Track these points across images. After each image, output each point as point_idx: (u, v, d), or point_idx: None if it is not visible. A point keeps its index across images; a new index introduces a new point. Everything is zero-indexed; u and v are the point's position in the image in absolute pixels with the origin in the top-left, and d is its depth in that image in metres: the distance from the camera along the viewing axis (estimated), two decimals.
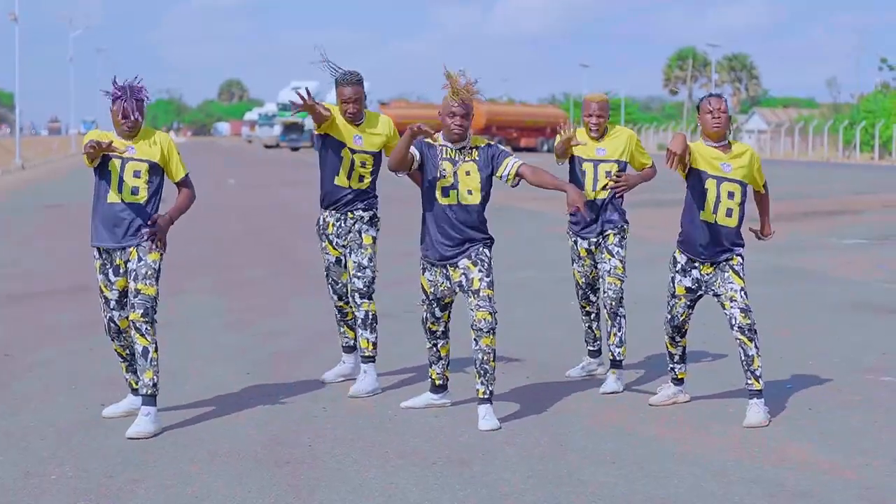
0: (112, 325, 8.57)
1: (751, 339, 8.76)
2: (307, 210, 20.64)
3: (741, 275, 8.89)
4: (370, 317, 9.57)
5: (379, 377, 9.64)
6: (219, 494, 7.05)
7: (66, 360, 10.70)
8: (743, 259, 8.98)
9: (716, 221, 8.86)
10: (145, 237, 8.37)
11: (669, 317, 9.20)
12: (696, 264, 8.98)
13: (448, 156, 8.65)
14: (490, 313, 8.50)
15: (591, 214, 9.68)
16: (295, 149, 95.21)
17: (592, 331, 10.20)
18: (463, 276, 8.60)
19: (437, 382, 9.11)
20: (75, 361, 10.60)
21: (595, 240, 9.76)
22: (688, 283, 9.03)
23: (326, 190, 9.60)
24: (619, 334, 9.79)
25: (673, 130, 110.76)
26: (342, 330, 10.02)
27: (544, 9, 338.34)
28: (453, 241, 8.63)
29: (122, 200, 8.42)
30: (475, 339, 8.56)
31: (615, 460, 7.77)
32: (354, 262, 9.54)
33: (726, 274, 8.90)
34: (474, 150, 8.71)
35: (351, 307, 9.78)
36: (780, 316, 13.21)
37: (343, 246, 9.61)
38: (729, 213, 8.88)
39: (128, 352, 8.67)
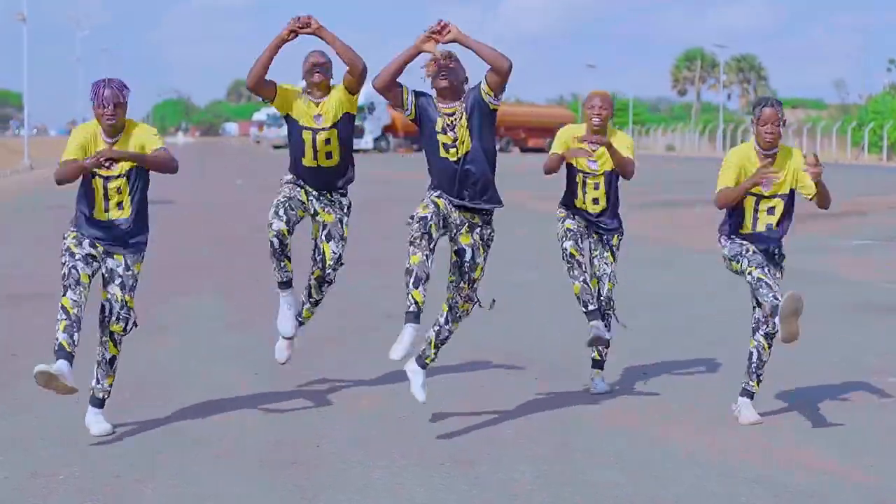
0: (73, 272, 8.13)
1: (770, 346, 8.83)
2: None
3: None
4: (321, 301, 9.71)
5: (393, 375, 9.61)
6: (225, 495, 7.06)
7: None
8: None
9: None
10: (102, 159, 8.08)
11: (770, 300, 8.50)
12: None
13: (446, 120, 8.41)
14: (473, 304, 8.58)
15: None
16: None
17: (588, 284, 9.47)
18: (469, 251, 8.48)
19: (421, 307, 8.07)
20: (81, 363, 10.59)
21: (594, 234, 9.61)
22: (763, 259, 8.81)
23: (297, 173, 9.35)
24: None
25: (682, 131, 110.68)
26: (283, 264, 9.31)
27: (546, 9, 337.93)
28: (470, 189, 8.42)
29: (110, 218, 8.32)
30: (448, 319, 8.59)
31: (621, 461, 7.78)
32: (335, 253, 9.37)
33: (777, 275, 8.93)
34: (462, 107, 8.43)
35: (288, 242, 9.21)
36: None
37: (315, 210, 9.31)
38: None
39: (76, 311, 8.06)
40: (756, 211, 8.82)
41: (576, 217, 9.57)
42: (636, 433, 8.49)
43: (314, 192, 9.32)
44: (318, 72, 9.23)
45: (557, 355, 10.78)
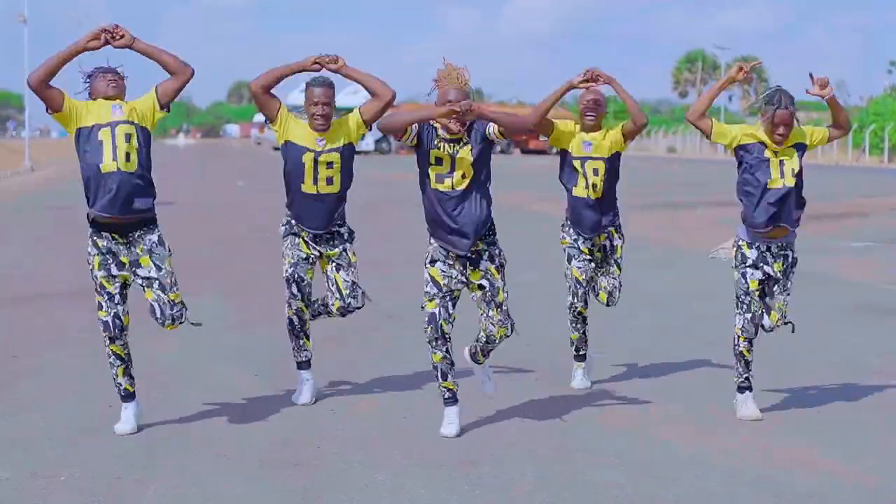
0: (117, 321, 8.29)
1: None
2: None
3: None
4: None
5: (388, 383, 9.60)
6: (226, 496, 7.06)
7: (73, 361, 10.71)
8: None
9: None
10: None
11: (749, 315, 8.90)
12: (769, 259, 8.85)
13: (445, 149, 8.29)
14: (507, 328, 8.44)
15: (593, 215, 9.55)
16: None
17: (586, 335, 9.98)
18: (486, 282, 8.36)
19: (456, 391, 8.47)
20: (82, 363, 10.61)
21: (598, 242, 9.69)
22: (759, 276, 8.87)
23: (292, 199, 9.16)
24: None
25: (683, 133, 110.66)
26: (301, 342, 9.34)
27: (548, 10, 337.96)
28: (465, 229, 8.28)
29: (119, 169, 8.16)
30: (487, 340, 8.51)
31: (622, 462, 7.78)
32: (347, 282, 9.17)
33: (789, 284, 8.97)
34: (467, 137, 8.33)
35: (307, 318, 9.29)
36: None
37: (318, 250, 9.18)
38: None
39: (126, 352, 8.43)
40: (781, 164, 8.75)
41: (580, 245, 9.69)
42: (637, 433, 8.48)
43: (312, 238, 9.15)
44: (324, 110, 9.01)
45: (557, 356, 10.77)
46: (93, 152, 8.18)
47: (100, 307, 8.28)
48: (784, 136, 8.67)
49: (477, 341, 8.60)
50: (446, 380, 8.40)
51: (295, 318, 9.22)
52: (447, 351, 8.34)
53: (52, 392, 9.48)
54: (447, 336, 8.33)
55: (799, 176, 8.78)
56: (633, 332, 10.61)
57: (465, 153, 8.27)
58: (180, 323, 8.43)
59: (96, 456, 7.81)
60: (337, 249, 9.17)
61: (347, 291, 9.18)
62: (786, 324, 9.06)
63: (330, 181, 9.03)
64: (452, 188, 8.27)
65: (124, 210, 8.16)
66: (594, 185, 9.52)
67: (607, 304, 9.86)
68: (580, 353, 10.03)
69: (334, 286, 9.19)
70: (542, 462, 7.76)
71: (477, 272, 8.34)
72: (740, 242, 8.93)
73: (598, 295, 9.85)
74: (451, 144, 8.29)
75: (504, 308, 8.38)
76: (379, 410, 9.08)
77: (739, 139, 8.79)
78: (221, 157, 78.31)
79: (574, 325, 9.93)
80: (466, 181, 8.28)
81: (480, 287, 8.36)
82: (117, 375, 8.44)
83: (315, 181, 9.00)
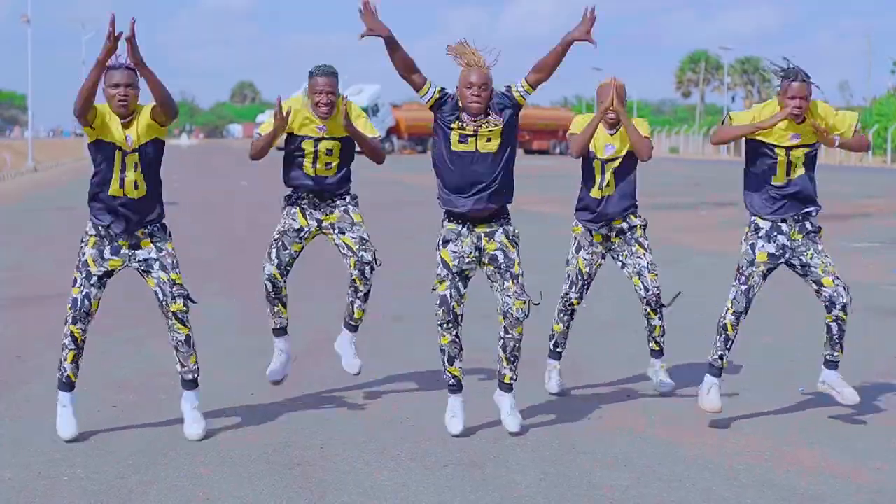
0: (86, 302, 8.15)
1: (845, 320, 8.70)
2: None
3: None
4: (370, 290, 9.37)
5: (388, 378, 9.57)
6: (230, 496, 7.05)
7: None
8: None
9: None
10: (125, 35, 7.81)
11: (745, 287, 8.69)
12: (785, 229, 8.69)
13: (466, 130, 8.26)
14: (525, 302, 8.37)
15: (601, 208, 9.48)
16: None
17: (568, 331, 9.88)
18: (501, 253, 8.37)
19: (461, 378, 8.50)
20: (86, 364, 10.57)
21: (615, 225, 9.55)
22: (772, 248, 8.70)
23: (295, 184, 9.26)
24: (663, 324, 9.75)
25: (686, 133, 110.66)
26: (276, 309, 9.31)
27: (550, 12, 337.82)
28: (479, 193, 8.29)
29: (126, 195, 8.12)
30: (507, 328, 8.42)
31: (627, 463, 7.77)
32: (354, 238, 9.13)
33: (819, 247, 8.78)
34: (495, 118, 8.30)
35: (282, 285, 9.22)
36: (791, 319, 13.18)
37: (318, 220, 9.17)
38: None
39: (83, 339, 8.25)
40: (789, 164, 8.65)
41: (590, 245, 9.60)
42: (641, 435, 8.47)
43: (311, 204, 9.20)
44: (328, 99, 9.05)
45: (564, 357, 10.74)
46: (105, 172, 8.14)
47: (74, 283, 8.18)
48: (801, 108, 8.51)
49: (498, 345, 8.54)
50: (452, 365, 8.42)
51: (269, 285, 9.18)
52: (457, 335, 8.37)
53: (55, 393, 9.46)
54: (458, 319, 8.36)
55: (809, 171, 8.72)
56: (640, 333, 10.58)
57: (492, 134, 8.28)
58: (186, 302, 8.32)
59: (100, 456, 7.81)
60: (337, 213, 9.18)
61: (357, 246, 9.14)
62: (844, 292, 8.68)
63: (329, 166, 9.13)
64: (476, 150, 8.29)
65: (131, 229, 8.20)
66: (608, 183, 9.47)
67: (646, 292, 9.51)
68: (558, 349, 9.86)
69: (344, 248, 9.18)
70: (546, 463, 7.75)
71: (493, 243, 8.35)
72: (754, 217, 8.74)
73: (634, 287, 9.57)
74: (476, 120, 8.29)
75: (520, 281, 8.35)
76: (383, 411, 9.07)
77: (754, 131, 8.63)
78: (225, 157, 78.29)
79: (561, 315, 9.78)
80: (493, 144, 8.31)
81: (494, 260, 8.36)
82: (66, 359, 8.24)
83: (314, 165, 9.13)
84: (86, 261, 8.20)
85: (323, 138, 9.09)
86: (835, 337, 8.74)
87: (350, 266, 9.20)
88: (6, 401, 9.25)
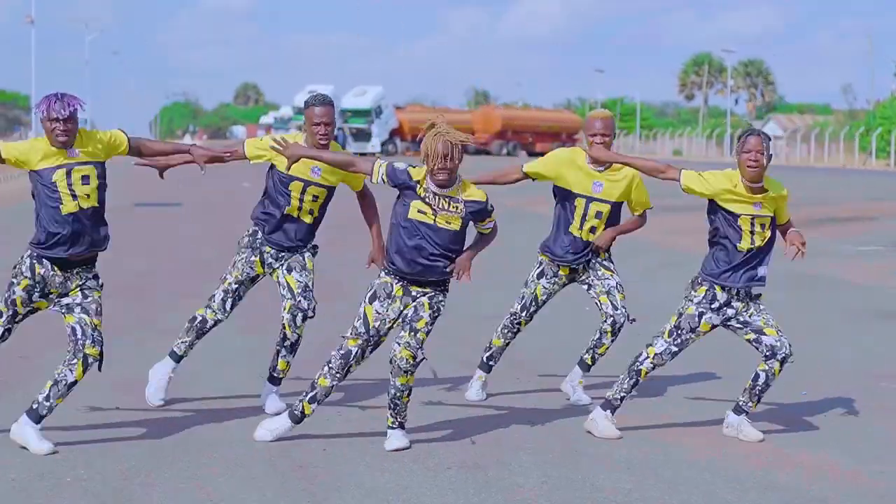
0: (6, 335, 8.22)
1: (777, 375, 8.50)
2: None
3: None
4: (299, 342, 9.17)
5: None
6: (233, 498, 7.05)
7: None
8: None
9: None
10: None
11: (675, 350, 8.57)
12: (733, 302, 8.49)
13: (429, 200, 8.00)
14: (413, 355, 8.04)
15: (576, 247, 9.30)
16: None
17: (506, 348, 9.65)
18: (413, 310, 8.11)
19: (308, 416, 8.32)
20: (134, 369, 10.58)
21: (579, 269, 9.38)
22: (717, 320, 8.53)
23: (274, 225, 9.10)
24: (609, 347, 9.47)
25: (689, 136, 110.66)
26: (193, 340, 9.18)
27: (554, 13, 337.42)
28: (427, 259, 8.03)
29: (80, 208, 8.00)
30: (391, 373, 8.14)
31: (629, 466, 7.77)
32: (300, 282, 8.95)
33: (761, 307, 8.54)
34: (460, 204, 8.02)
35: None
36: (794, 322, 13.16)
37: (272, 268, 9.07)
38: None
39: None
40: (752, 233, 8.43)
41: (553, 275, 9.44)
42: (644, 439, 8.47)
43: (274, 254, 9.09)
44: (325, 130, 8.84)
45: (562, 359, 10.74)
46: (50, 194, 8.04)
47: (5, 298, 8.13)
48: (757, 162, 8.27)
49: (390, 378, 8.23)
50: (313, 403, 8.24)
51: (206, 324, 9.13)
52: (334, 386, 8.23)
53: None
54: (349, 373, 8.23)
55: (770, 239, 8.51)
56: (642, 337, 10.56)
57: (453, 220, 8.03)
58: (101, 348, 8.09)
59: (103, 457, 7.80)
60: (293, 255, 9.04)
61: (299, 290, 8.95)
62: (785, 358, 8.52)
63: (311, 212, 9.02)
64: (434, 223, 8.03)
65: (84, 250, 8.09)
66: (593, 228, 9.30)
67: (615, 310, 9.29)
68: (490, 363, 9.63)
69: (286, 288, 8.99)
70: (549, 466, 7.75)
71: (411, 304, 8.13)
72: (715, 283, 8.52)
73: (601, 305, 9.33)
74: (438, 198, 8.02)
75: (418, 337, 8.03)
76: (385, 414, 9.05)
77: (716, 194, 8.46)
78: None
79: (505, 332, 9.54)
80: (451, 226, 8.04)
81: (407, 313, 8.15)
82: None
83: (300, 208, 8.99)
84: (14, 300, 8.11)
85: (313, 183, 8.94)
86: (758, 388, 8.52)
87: (284, 309, 9.02)
88: (11, 400, 9.25)
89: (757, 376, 8.50)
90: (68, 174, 7.96)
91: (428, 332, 8.05)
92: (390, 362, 8.09)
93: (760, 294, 8.61)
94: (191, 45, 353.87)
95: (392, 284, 8.13)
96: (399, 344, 8.04)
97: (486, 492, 7.21)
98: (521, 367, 10.53)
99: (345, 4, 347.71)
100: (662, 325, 8.58)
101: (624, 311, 9.31)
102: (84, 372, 8.02)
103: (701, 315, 8.47)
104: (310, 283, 8.99)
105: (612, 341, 9.42)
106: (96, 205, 8.06)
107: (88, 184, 8.02)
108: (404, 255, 8.02)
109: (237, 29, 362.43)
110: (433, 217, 7.98)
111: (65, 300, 8.10)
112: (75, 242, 8.00)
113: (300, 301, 8.94)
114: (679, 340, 8.52)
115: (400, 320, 8.13)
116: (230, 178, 44.01)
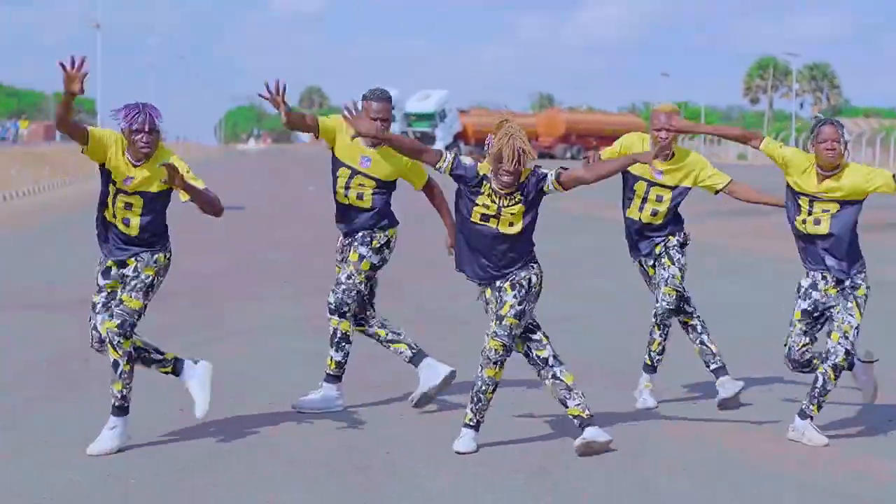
0: (94, 333, 8.34)
1: (837, 378, 8.39)
2: None
3: (861, 309, 8.49)
4: (337, 335, 9.17)
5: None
6: (292, 501, 7.05)
7: None
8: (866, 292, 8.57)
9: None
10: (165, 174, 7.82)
11: (786, 348, 8.63)
12: (819, 286, 8.47)
13: (491, 197, 8.06)
14: (504, 345, 8.07)
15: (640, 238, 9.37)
16: None
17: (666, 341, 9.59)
18: (497, 296, 8.15)
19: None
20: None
21: (656, 252, 9.39)
22: (805, 305, 8.52)
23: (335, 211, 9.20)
24: (663, 343, 9.47)
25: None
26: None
27: (620, 17, 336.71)
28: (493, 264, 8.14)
29: (124, 232, 8.28)
30: (480, 366, 8.19)
31: (692, 471, 7.71)
32: (337, 274, 9.11)
33: (849, 304, 8.45)
34: (518, 192, 8.05)
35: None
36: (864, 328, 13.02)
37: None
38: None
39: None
40: (811, 212, 8.50)
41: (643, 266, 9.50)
42: (705, 443, 8.40)
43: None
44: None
45: (625, 365, 10.67)
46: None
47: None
48: (833, 150, 8.37)
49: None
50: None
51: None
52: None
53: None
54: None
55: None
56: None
57: (517, 210, 8.07)
58: (118, 321, 8.07)
59: (163, 459, 7.83)
60: (352, 243, 9.09)
61: (332, 286, 9.13)
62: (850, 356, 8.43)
63: (360, 197, 9.07)
64: (497, 228, 8.10)
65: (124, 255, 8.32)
66: (654, 212, 9.35)
67: (656, 303, 9.32)
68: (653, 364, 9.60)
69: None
70: (612, 470, 7.70)
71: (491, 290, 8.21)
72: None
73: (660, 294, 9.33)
74: (502, 198, 8.07)
75: (505, 323, 8.05)
76: (449, 416, 9.03)
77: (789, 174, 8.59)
78: (293, 162, 78.63)
79: (660, 330, 9.47)
80: (509, 227, 8.10)
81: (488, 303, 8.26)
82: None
83: (346, 195, 9.08)
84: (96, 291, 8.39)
85: (360, 173, 9.01)
86: (816, 391, 8.39)
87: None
88: (75, 403, 9.31)
89: (816, 379, 8.43)
90: (115, 196, 8.18)
91: (518, 315, 8.05)
92: (481, 354, 8.12)
93: (859, 288, 8.50)
94: (257, 49, 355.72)
95: (478, 290, 8.32)
96: (487, 335, 8.08)
97: (549, 496, 7.17)
98: (584, 372, 10.48)
99: (412, 10, 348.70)
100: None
101: (665, 304, 9.29)
102: (116, 349, 8.06)
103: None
104: (342, 276, 9.05)
105: (663, 336, 9.44)
106: (137, 232, 8.26)
107: (131, 210, 8.19)
108: (472, 265, 8.20)
109: (305, 34, 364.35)
110: (496, 216, 8.03)
111: (123, 270, 8.31)
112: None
113: (328, 294, 9.11)
114: (788, 336, 8.65)
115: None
116: (295, 181, 44.13)
